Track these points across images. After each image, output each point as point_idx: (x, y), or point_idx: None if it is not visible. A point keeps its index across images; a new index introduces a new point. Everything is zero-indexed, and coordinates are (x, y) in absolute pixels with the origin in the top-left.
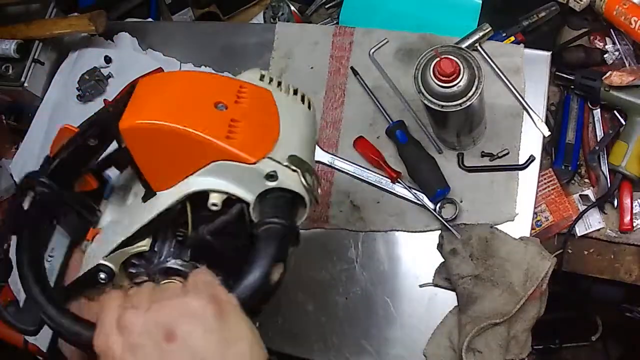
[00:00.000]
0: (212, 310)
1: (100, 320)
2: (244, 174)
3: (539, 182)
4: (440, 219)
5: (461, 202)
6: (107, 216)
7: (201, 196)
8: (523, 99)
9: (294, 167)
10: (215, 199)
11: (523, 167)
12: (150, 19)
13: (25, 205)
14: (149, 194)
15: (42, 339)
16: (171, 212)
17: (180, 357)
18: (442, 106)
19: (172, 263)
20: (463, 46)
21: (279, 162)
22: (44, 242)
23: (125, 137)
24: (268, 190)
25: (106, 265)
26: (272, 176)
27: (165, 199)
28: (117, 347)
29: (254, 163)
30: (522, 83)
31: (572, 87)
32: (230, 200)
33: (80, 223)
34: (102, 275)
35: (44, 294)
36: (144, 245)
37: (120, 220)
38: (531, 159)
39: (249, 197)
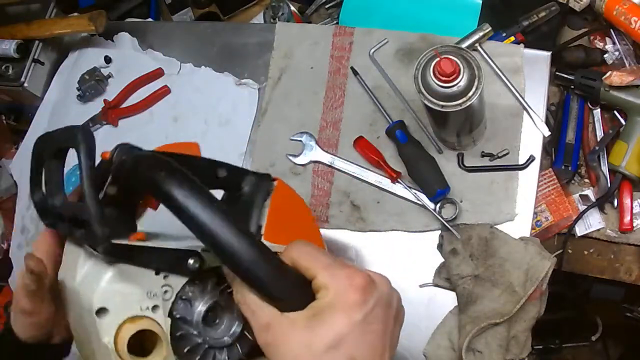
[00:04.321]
0: None
1: None
2: None
3: (539, 182)
4: (440, 219)
5: (461, 202)
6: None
7: None
8: (523, 99)
9: None
10: None
11: (523, 167)
12: (150, 19)
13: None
14: None
15: None
16: None
17: None
18: (442, 106)
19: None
20: (463, 46)
21: None
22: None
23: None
24: None
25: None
26: None
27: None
28: None
29: None
30: (522, 83)
31: (572, 87)
32: None
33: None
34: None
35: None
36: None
37: None
38: (531, 159)
39: None
